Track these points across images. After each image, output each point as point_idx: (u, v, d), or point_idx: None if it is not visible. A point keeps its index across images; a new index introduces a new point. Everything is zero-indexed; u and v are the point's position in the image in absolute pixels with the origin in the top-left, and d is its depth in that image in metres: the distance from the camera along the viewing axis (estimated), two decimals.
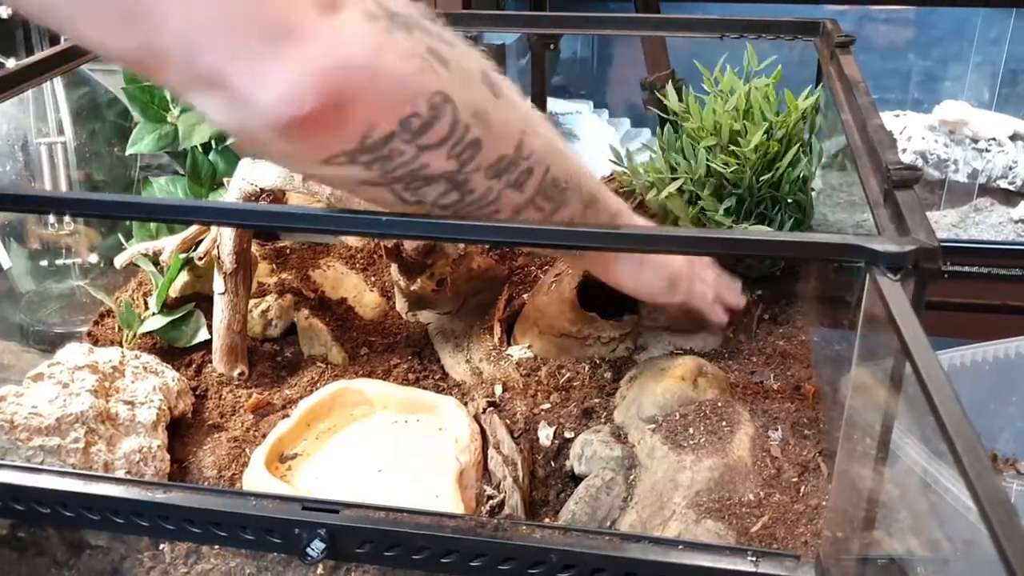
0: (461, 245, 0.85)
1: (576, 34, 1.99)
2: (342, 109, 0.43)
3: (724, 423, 0.68)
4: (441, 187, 0.50)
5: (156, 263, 0.88)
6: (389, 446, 0.73)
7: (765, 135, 0.79)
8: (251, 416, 0.78)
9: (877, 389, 0.49)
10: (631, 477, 0.67)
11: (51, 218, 1.11)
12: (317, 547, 0.54)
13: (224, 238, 0.80)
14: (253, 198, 0.78)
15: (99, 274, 1.11)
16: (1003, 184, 1.46)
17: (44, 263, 1.12)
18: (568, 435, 0.72)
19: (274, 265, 0.95)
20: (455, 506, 0.65)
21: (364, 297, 0.92)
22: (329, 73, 0.42)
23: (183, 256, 0.86)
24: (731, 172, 0.79)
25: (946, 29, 1.74)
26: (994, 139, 1.46)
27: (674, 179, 0.83)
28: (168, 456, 0.73)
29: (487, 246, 0.90)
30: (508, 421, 0.73)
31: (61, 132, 1.13)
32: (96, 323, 0.90)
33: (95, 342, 0.86)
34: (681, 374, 0.73)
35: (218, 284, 0.81)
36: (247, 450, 0.74)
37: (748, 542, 0.60)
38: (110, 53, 0.45)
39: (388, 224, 0.49)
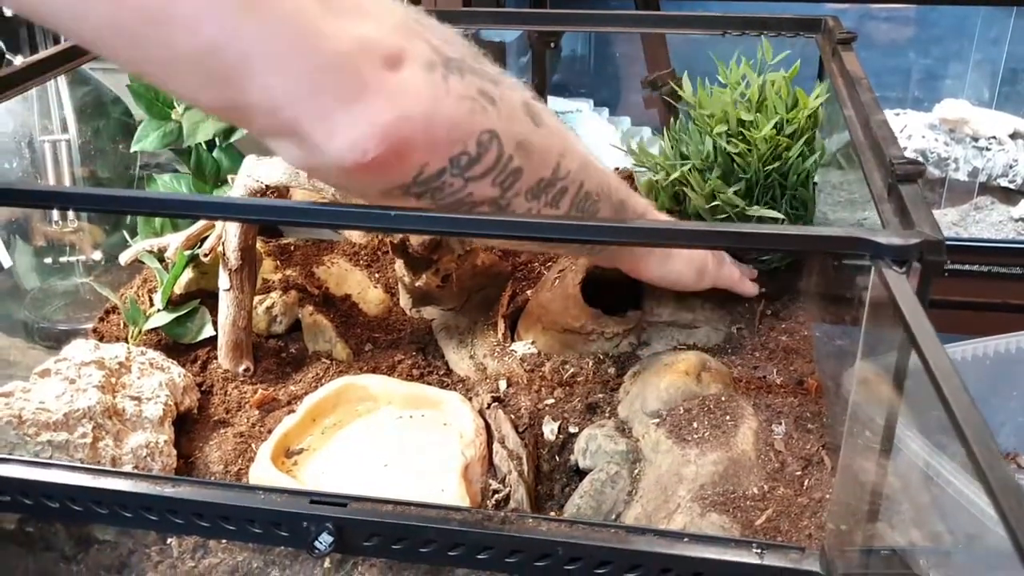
0: (466, 241, 0.85)
1: (576, 32, 2.00)
2: (400, 155, 0.50)
3: (728, 417, 0.68)
4: (484, 210, 0.55)
5: (161, 260, 0.88)
6: (394, 441, 0.73)
7: (775, 129, 0.79)
8: (257, 412, 0.78)
9: (881, 383, 0.50)
10: (635, 471, 0.68)
11: (55, 215, 1.12)
12: (325, 540, 0.54)
13: (229, 234, 0.80)
14: (258, 195, 0.79)
15: (104, 271, 1.11)
16: (1003, 183, 1.46)
17: (49, 260, 1.12)
18: (572, 430, 0.73)
19: (278, 262, 0.95)
20: (460, 500, 0.65)
21: (368, 293, 0.92)
22: (392, 125, 0.48)
23: (188, 253, 0.86)
24: (738, 154, 0.80)
25: (946, 27, 1.74)
26: (994, 138, 1.46)
27: (684, 163, 0.84)
28: (175, 451, 0.73)
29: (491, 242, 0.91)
30: (512, 416, 0.73)
31: (65, 130, 1.13)
32: (101, 320, 0.90)
33: (100, 339, 0.86)
34: (685, 369, 0.73)
35: (223, 280, 0.81)
36: (253, 445, 0.74)
37: (753, 535, 0.60)
38: (199, 105, 0.51)
39: (397, 219, 0.49)
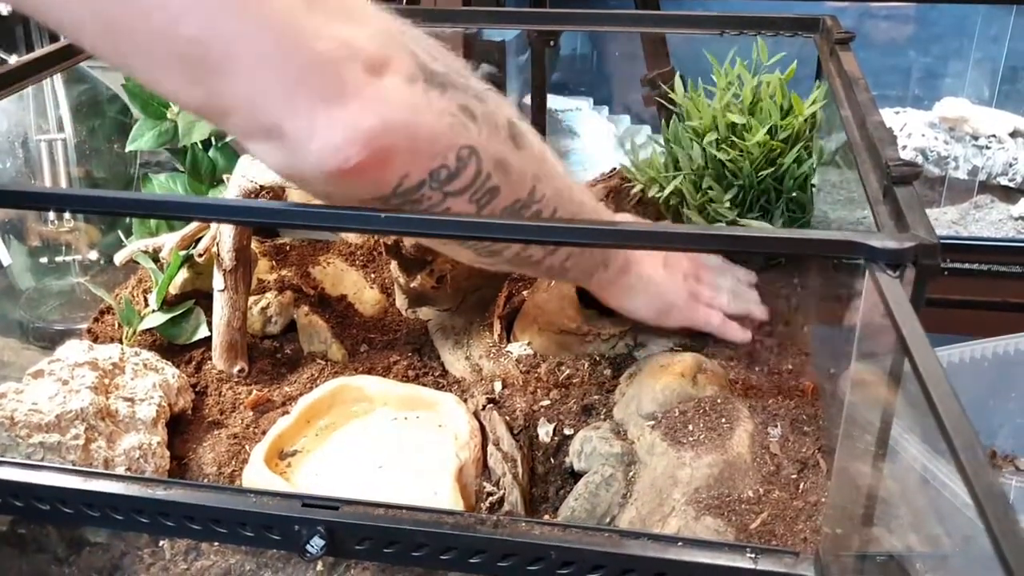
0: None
1: (576, 31, 1.99)
2: (381, 162, 0.49)
3: (723, 420, 0.68)
4: None
5: (156, 260, 0.88)
6: (389, 443, 0.73)
7: (768, 134, 0.79)
8: (251, 413, 0.78)
9: (876, 386, 0.49)
10: (630, 473, 0.68)
11: (51, 215, 1.11)
12: (316, 544, 0.54)
13: (223, 235, 0.80)
14: (252, 195, 0.79)
15: (99, 271, 1.11)
16: (1003, 181, 1.46)
17: (44, 260, 1.12)
18: (568, 432, 0.72)
19: (274, 262, 0.95)
20: (454, 503, 0.65)
21: (364, 294, 0.92)
22: (372, 132, 0.48)
23: (183, 253, 0.86)
24: (730, 160, 0.80)
25: (946, 26, 1.74)
26: (994, 136, 1.46)
27: (676, 174, 0.83)
28: (168, 453, 0.73)
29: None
30: (508, 418, 0.73)
31: (61, 129, 1.13)
32: (96, 320, 0.90)
33: (95, 339, 0.86)
34: (680, 371, 0.73)
35: (217, 281, 0.81)
36: (247, 447, 0.74)
37: (747, 539, 0.60)
38: (180, 102, 0.51)
39: (387, 221, 0.49)
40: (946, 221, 1.43)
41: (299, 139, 0.47)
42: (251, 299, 0.86)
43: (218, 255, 0.81)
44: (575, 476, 0.70)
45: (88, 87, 1.16)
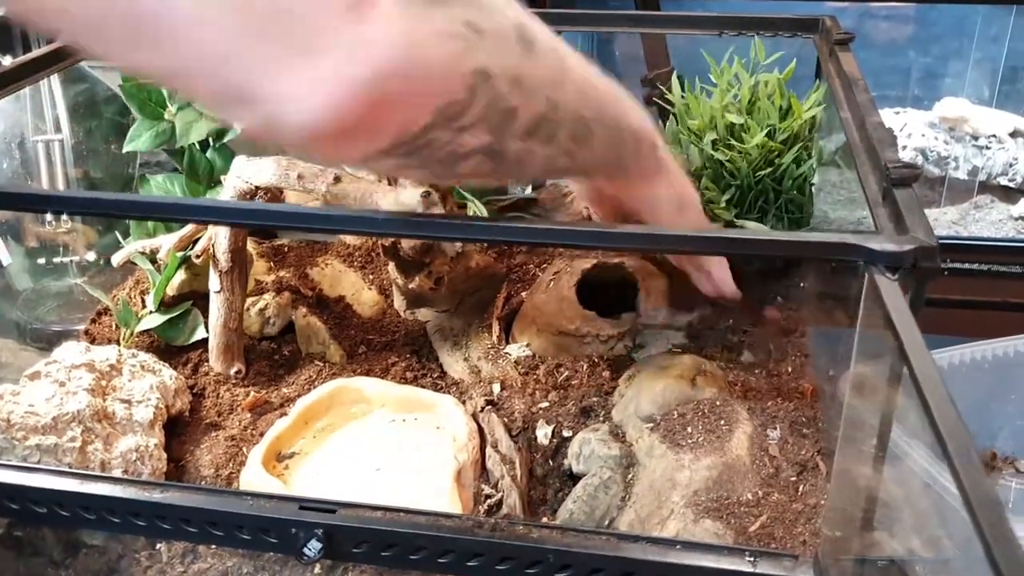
0: (459, 243, 0.85)
1: (576, 31, 1.99)
2: (377, 116, 0.41)
3: (722, 422, 0.68)
4: (477, 159, 0.48)
5: (153, 261, 0.87)
6: (387, 445, 0.73)
7: (767, 136, 0.79)
8: (248, 415, 0.78)
9: (876, 388, 0.49)
10: (629, 476, 0.67)
11: (48, 216, 1.11)
12: (314, 547, 0.53)
13: (219, 236, 0.80)
14: (249, 196, 0.78)
15: (96, 272, 1.11)
16: (1003, 181, 1.46)
17: (41, 261, 1.12)
18: (566, 434, 0.72)
19: (272, 263, 0.94)
20: (453, 505, 0.65)
21: (362, 295, 0.92)
22: (361, 83, 0.39)
23: (180, 254, 0.85)
24: (728, 161, 0.79)
25: (946, 26, 1.73)
26: (994, 136, 1.46)
27: None
28: (165, 455, 0.72)
29: (485, 244, 0.90)
30: (506, 420, 0.73)
31: (58, 129, 1.13)
32: (93, 321, 0.90)
33: (92, 340, 0.86)
34: (679, 373, 0.73)
35: (214, 282, 0.81)
36: (244, 449, 0.73)
37: (746, 541, 0.60)
38: (138, 72, 0.44)
39: (384, 223, 0.49)
40: (946, 221, 1.43)
41: (274, 100, 0.39)
42: (249, 300, 0.85)
43: (214, 256, 0.80)
44: (574, 478, 0.70)
45: (86, 87, 1.16)
